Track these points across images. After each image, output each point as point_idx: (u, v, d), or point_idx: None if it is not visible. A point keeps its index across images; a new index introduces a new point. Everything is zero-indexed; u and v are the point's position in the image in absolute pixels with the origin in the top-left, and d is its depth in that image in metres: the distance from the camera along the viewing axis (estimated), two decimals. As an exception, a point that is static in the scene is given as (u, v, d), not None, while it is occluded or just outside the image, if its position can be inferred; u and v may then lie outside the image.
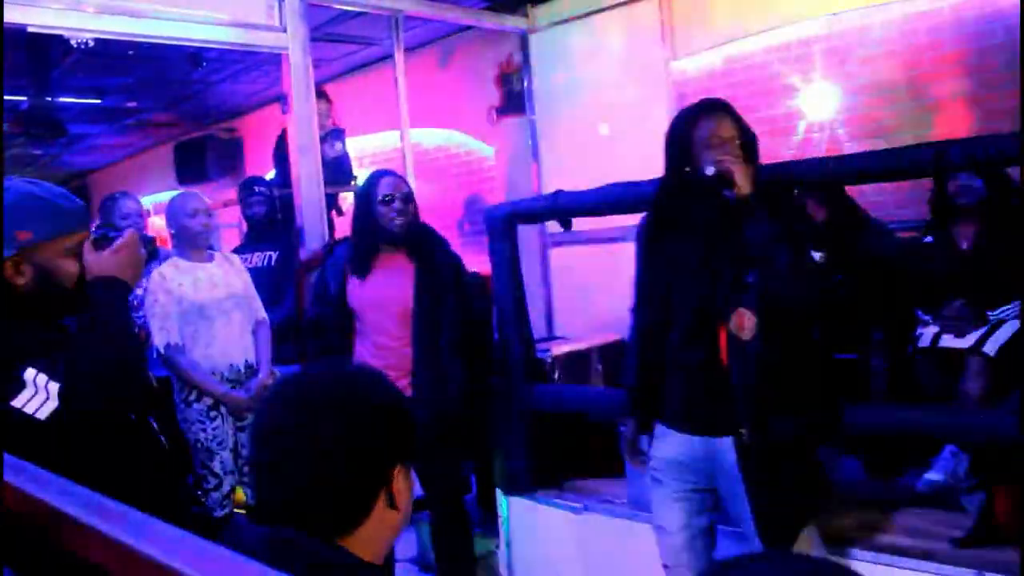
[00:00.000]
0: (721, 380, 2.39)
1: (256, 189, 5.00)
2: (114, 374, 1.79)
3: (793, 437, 2.39)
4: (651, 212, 2.64)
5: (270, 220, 4.97)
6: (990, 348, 3.37)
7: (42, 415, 1.73)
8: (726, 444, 2.42)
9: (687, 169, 2.48)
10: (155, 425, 2.06)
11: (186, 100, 7.99)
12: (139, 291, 3.79)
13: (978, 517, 2.89)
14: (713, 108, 2.51)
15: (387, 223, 3.35)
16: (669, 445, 2.58)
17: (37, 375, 1.74)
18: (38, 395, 1.73)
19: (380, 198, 3.35)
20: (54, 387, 1.73)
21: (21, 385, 1.73)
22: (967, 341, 3.46)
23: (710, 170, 2.37)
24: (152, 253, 2.29)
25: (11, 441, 1.53)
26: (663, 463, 2.59)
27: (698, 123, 2.48)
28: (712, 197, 2.41)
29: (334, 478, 1.16)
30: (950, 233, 3.72)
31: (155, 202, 9.08)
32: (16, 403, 1.72)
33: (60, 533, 0.83)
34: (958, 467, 3.25)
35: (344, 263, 3.45)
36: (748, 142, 2.48)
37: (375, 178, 3.44)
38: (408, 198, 3.39)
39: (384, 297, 3.37)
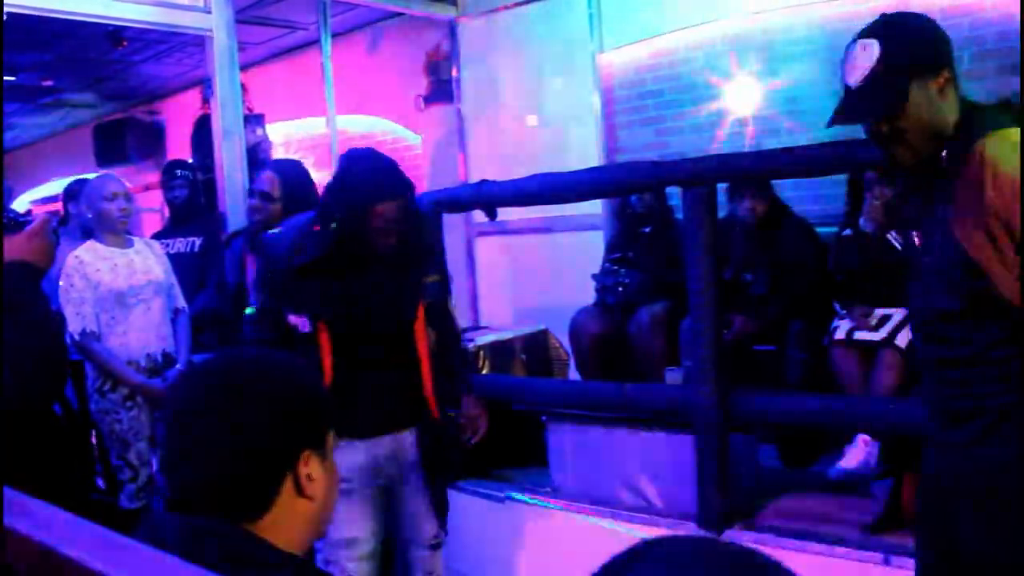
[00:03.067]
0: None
1: (178, 172, 4.90)
2: (37, 362, 1.74)
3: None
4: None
5: (192, 205, 4.87)
6: (902, 341, 3.49)
7: None
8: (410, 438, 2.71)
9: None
10: (57, 410, 2.02)
11: (106, 80, 7.78)
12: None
13: (886, 504, 2.99)
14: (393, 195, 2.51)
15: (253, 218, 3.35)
16: (357, 451, 2.64)
17: None
18: None
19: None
20: None
21: None
22: (880, 334, 3.57)
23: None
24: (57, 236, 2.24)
25: None
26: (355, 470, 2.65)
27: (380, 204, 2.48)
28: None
29: (237, 461, 1.16)
30: (867, 228, 3.82)
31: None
32: None
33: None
34: (869, 455, 3.35)
35: (243, 253, 3.42)
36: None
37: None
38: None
39: None
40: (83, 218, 4.15)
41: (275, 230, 2.78)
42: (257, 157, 5.48)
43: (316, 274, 2.54)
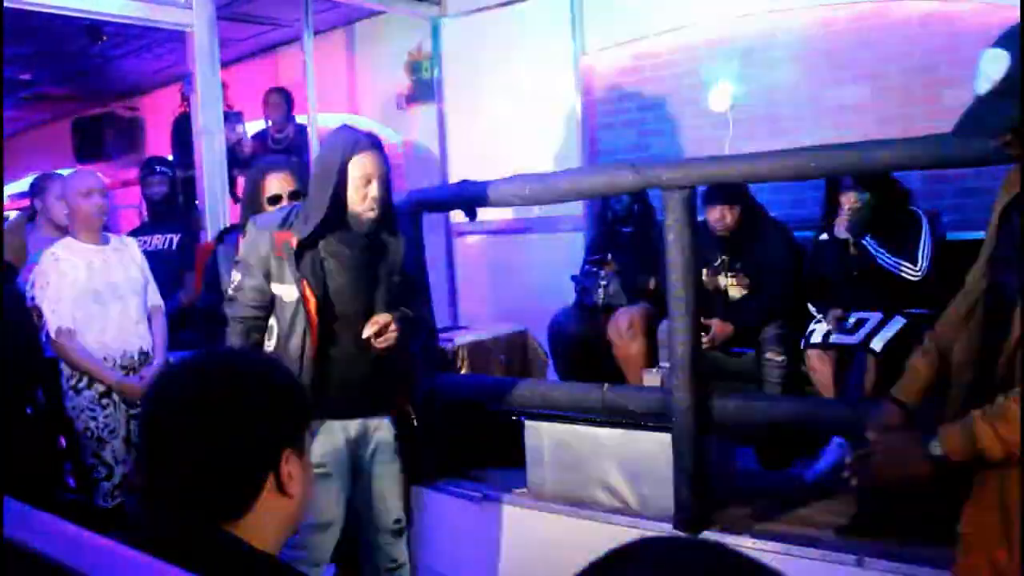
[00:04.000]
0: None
1: (157, 169, 4.88)
2: (12, 360, 1.74)
3: None
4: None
5: (171, 201, 4.85)
6: (877, 345, 3.52)
7: None
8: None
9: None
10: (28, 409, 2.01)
11: (85, 75, 7.72)
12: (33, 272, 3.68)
13: (862, 506, 3.01)
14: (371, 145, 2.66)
15: None
16: (332, 433, 2.70)
17: None
18: None
19: (269, 198, 3.32)
20: None
21: None
22: (855, 338, 3.60)
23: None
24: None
25: None
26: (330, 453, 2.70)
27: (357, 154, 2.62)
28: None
29: (218, 459, 1.15)
30: (843, 233, 3.85)
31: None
32: None
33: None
34: (845, 458, 3.37)
35: (236, 250, 3.40)
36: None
37: (261, 174, 3.40)
38: (297, 195, 3.36)
39: None
40: (51, 214, 4.12)
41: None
42: (236, 155, 5.47)
43: (303, 249, 2.62)
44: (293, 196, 3.32)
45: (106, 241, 3.70)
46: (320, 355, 2.63)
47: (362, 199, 2.63)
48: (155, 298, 3.79)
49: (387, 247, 2.77)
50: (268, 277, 2.67)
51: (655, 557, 0.70)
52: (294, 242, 2.61)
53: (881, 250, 3.65)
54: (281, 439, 1.20)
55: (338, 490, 2.73)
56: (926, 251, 3.61)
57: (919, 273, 3.59)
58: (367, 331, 2.62)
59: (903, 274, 3.61)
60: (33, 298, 3.61)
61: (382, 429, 2.83)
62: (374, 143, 2.70)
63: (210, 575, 1.07)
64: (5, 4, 3.99)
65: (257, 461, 1.18)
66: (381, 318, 2.65)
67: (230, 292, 2.74)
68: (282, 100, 5.89)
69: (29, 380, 1.82)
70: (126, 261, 3.70)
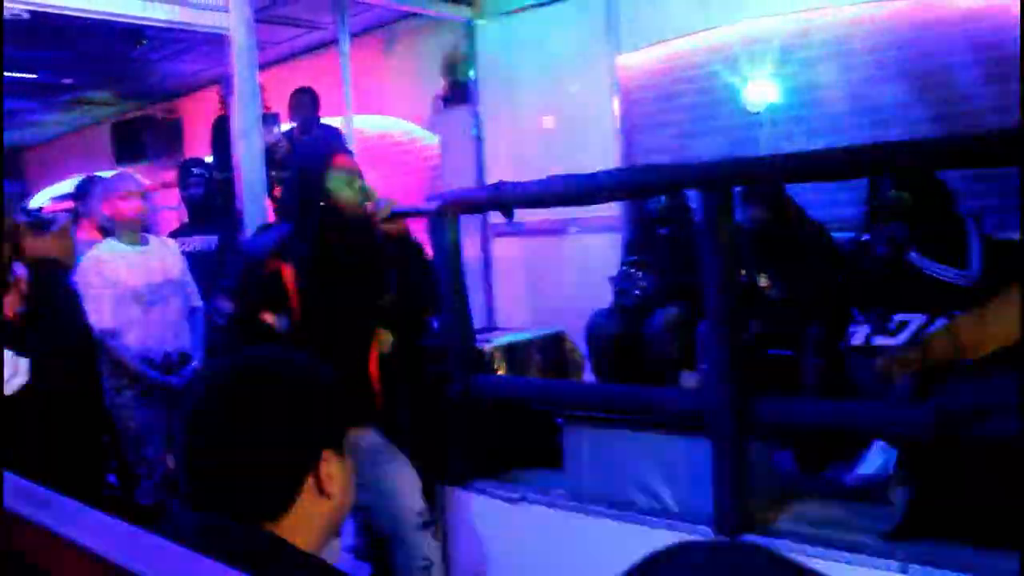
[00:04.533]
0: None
1: (194, 171, 4.92)
2: (75, 348, 1.80)
3: None
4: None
5: (209, 203, 4.89)
6: (920, 347, 3.46)
7: (8, 390, 1.70)
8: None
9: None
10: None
11: (125, 78, 7.82)
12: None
13: (905, 511, 2.96)
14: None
15: None
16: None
17: (4, 350, 1.72)
18: (4, 369, 1.71)
19: None
20: (23, 363, 1.71)
21: None
22: (898, 340, 3.54)
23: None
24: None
25: None
26: None
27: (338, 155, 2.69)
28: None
29: (258, 459, 1.16)
30: (885, 234, 3.80)
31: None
32: None
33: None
34: (886, 462, 3.32)
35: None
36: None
37: None
38: None
39: None
40: (93, 217, 4.17)
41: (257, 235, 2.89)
42: (274, 156, 5.50)
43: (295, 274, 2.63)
44: None
45: (147, 243, 3.75)
46: None
47: (346, 195, 2.65)
48: (194, 299, 3.82)
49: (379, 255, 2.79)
50: (262, 306, 2.64)
51: (698, 561, 0.69)
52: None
53: (930, 263, 3.58)
54: (321, 439, 1.21)
55: None
56: (975, 256, 3.54)
57: (971, 281, 3.52)
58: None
59: (953, 282, 3.54)
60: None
61: (368, 435, 2.84)
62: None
63: (252, 573, 1.08)
64: (50, 8, 4.05)
65: (296, 461, 1.19)
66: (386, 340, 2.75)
67: (228, 320, 2.69)
68: (308, 101, 5.85)
69: (85, 371, 1.88)
70: (167, 262, 3.74)
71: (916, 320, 3.55)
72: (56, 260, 1.89)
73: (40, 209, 4.71)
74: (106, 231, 3.81)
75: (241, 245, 2.80)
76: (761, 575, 0.67)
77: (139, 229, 3.74)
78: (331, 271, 2.65)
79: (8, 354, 1.73)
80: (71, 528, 0.73)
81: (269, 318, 2.59)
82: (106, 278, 3.56)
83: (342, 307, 2.68)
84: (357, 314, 2.74)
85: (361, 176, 2.73)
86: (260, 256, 2.63)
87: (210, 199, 4.91)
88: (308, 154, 2.73)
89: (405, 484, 2.90)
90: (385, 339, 2.87)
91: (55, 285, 1.87)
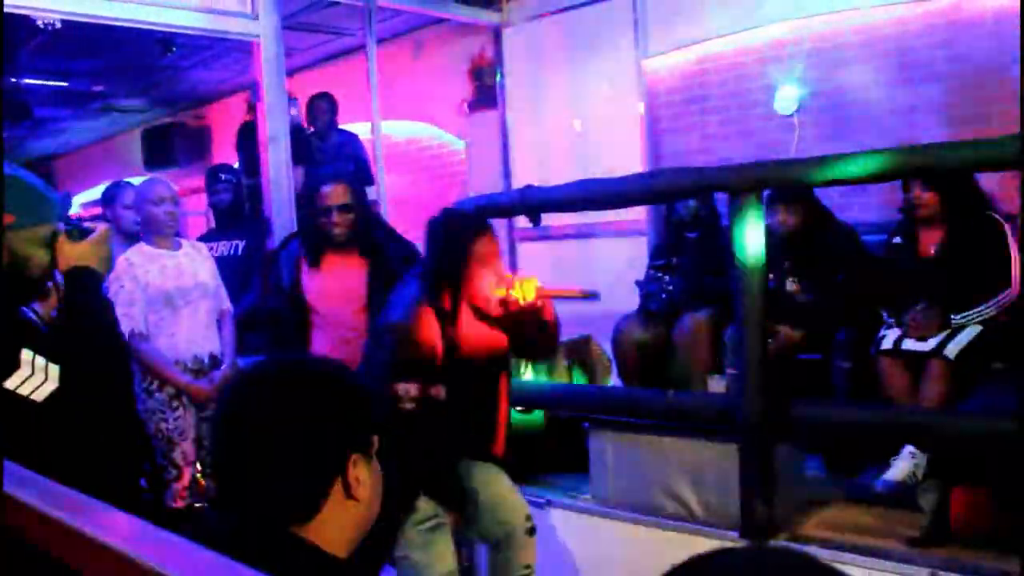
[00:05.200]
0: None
1: (222, 177, 4.96)
2: (106, 356, 1.80)
3: None
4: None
5: (236, 208, 4.92)
6: (951, 352, 3.42)
7: (40, 396, 1.72)
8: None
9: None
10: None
11: (155, 86, 7.89)
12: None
13: (934, 517, 2.93)
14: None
15: (328, 231, 3.37)
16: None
17: (36, 357, 1.73)
18: (35, 376, 1.72)
19: (319, 208, 3.37)
20: (54, 370, 1.72)
21: (16, 366, 1.72)
22: (929, 344, 3.50)
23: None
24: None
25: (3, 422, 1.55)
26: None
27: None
28: None
29: (286, 462, 1.17)
30: (917, 237, 3.76)
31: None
32: (9, 384, 1.70)
33: (20, 524, 0.83)
34: (916, 467, 3.29)
35: (298, 256, 3.46)
36: None
37: (315, 186, 3.45)
38: (347, 207, 3.40)
39: (338, 291, 3.40)
40: (120, 223, 4.21)
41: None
42: (299, 137, 5.45)
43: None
44: (343, 209, 3.38)
45: (178, 247, 3.78)
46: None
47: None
48: (225, 303, 3.85)
49: None
50: None
51: (738, 563, 0.69)
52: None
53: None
54: (348, 444, 1.22)
55: (451, 543, 2.78)
56: (1014, 264, 3.48)
57: (1015, 296, 3.47)
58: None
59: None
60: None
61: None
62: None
63: (280, 575, 1.08)
64: (82, 17, 4.10)
65: (324, 465, 1.19)
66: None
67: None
68: (327, 106, 5.86)
69: (119, 379, 1.92)
70: (197, 266, 3.77)
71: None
72: (91, 269, 1.90)
73: (79, 218, 4.76)
74: (134, 237, 3.86)
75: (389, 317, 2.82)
76: None
77: (171, 234, 3.78)
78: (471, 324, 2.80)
79: (40, 360, 1.73)
80: (101, 530, 0.74)
81: (440, 392, 2.67)
82: (138, 281, 3.60)
83: (482, 357, 2.82)
84: (494, 360, 2.87)
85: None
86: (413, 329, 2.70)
87: (237, 204, 4.94)
88: (456, 221, 2.85)
89: (502, 490, 2.89)
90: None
91: (89, 292, 1.88)
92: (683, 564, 0.69)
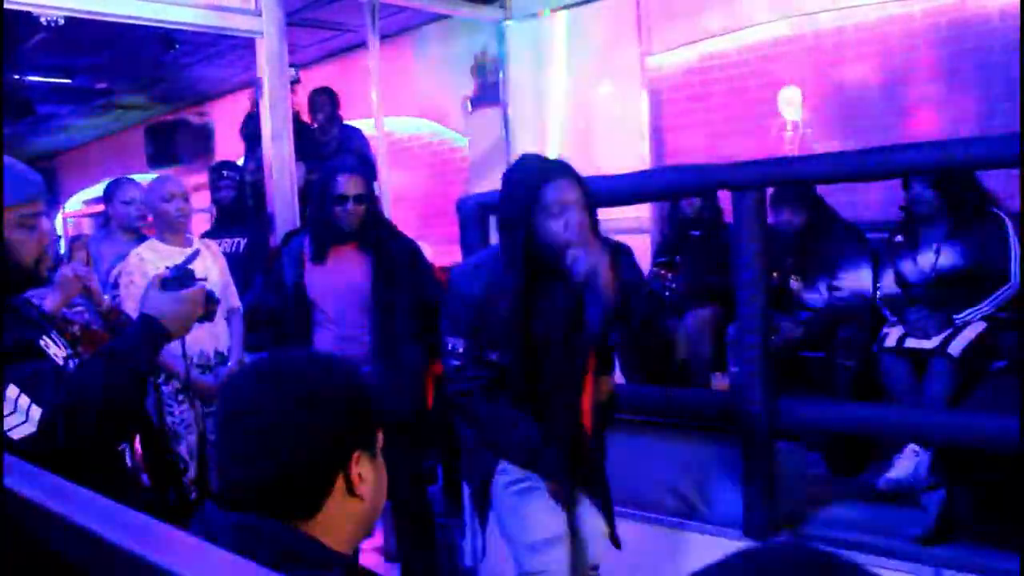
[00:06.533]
0: None
1: (224, 173, 4.95)
2: (105, 417, 1.67)
3: None
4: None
5: (239, 205, 4.92)
6: (954, 349, 3.42)
7: (15, 436, 1.61)
8: None
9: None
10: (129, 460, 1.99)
11: (158, 82, 7.89)
12: (115, 272, 3.80)
13: (937, 515, 2.93)
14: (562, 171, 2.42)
15: (341, 221, 3.34)
16: None
17: (20, 395, 1.62)
18: (16, 415, 1.61)
19: (334, 197, 3.33)
20: (36, 412, 1.62)
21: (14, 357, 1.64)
22: (932, 342, 3.50)
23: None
24: (208, 314, 2.16)
25: None
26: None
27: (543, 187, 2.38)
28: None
29: (290, 459, 1.16)
30: (919, 235, 3.76)
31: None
32: None
33: (24, 519, 0.82)
34: (919, 466, 3.29)
35: (300, 253, 3.45)
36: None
37: (331, 174, 3.40)
38: (362, 198, 3.37)
39: (343, 287, 3.39)
40: (119, 219, 4.22)
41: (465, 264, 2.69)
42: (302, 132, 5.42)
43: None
44: (359, 199, 3.36)
45: (189, 244, 3.80)
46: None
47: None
48: (234, 300, 3.87)
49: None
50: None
51: (763, 562, 0.68)
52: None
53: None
54: (351, 441, 1.21)
55: (553, 505, 2.50)
56: (1016, 262, 3.48)
57: (1015, 289, 3.48)
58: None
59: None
60: (115, 297, 3.73)
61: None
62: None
63: (284, 571, 1.08)
64: (86, 14, 4.10)
65: (326, 462, 1.19)
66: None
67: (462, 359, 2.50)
68: (328, 101, 5.79)
69: (118, 436, 1.80)
70: (208, 263, 3.79)
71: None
72: (160, 323, 1.78)
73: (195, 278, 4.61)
74: (135, 232, 3.88)
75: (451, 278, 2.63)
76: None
77: (183, 230, 3.80)
78: (540, 304, 2.45)
79: (24, 400, 1.62)
80: (101, 525, 0.74)
81: (500, 359, 2.45)
82: (147, 277, 3.61)
83: (553, 344, 2.46)
84: (569, 353, 2.48)
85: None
86: (476, 292, 2.46)
87: (241, 201, 4.94)
88: (528, 163, 2.51)
89: (594, 529, 2.64)
90: (605, 384, 2.62)
91: (133, 342, 1.78)
92: (710, 567, 0.69)
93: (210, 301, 2.04)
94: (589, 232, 2.37)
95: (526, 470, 2.49)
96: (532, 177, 2.40)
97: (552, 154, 5.47)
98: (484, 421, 2.52)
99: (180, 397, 3.63)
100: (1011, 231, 3.51)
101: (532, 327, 2.43)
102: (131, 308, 3.61)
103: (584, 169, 3.46)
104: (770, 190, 4.02)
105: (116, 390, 1.71)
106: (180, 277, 1.90)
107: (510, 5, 5.85)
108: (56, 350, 1.84)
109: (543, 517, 2.48)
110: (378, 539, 4.30)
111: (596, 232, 2.45)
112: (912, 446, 3.36)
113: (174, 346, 3.57)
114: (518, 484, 2.51)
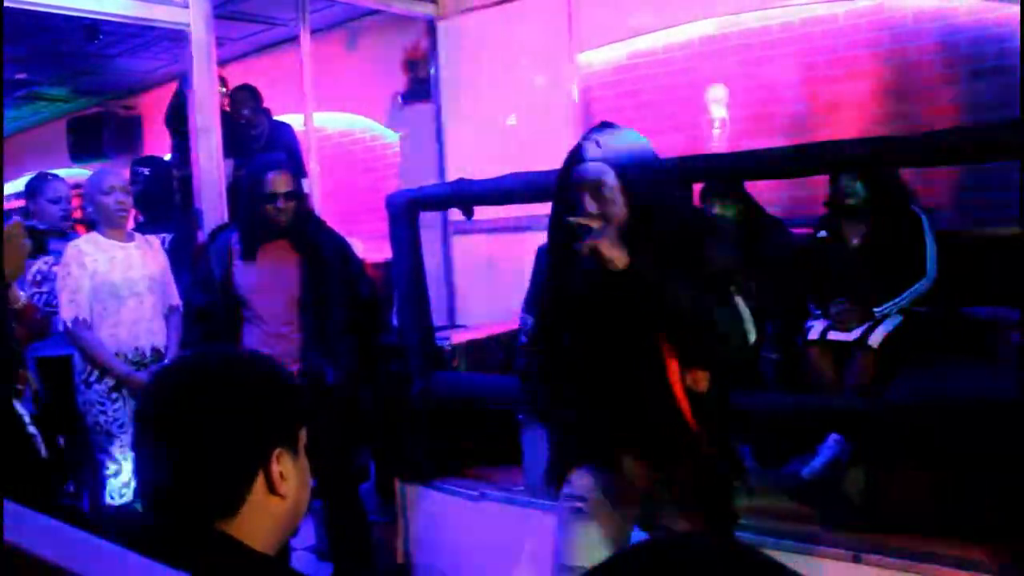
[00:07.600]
0: None
1: (137, 170, 4.88)
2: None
3: None
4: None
5: (156, 201, 4.84)
6: (874, 341, 3.53)
7: None
8: None
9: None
10: (24, 417, 1.97)
11: (81, 74, 7.71)
12: (43, 266, 3.77)
13: (860, 502, 3.02)
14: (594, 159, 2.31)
15: (270, 218, 3.32)
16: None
17: None
18: None
19: (264, 194, 3.31)
20: None
21: None
22: (853, 335, 3.60)
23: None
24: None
25: None
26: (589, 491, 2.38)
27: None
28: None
29: (204, 456, 1.15)
30: (842, 230, 3.86)
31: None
32: None
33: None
34: (841, 454, 3.38)
35: (228, 249, 3.41)
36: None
37: (261, 171, 3.37)
38: (291, 195, 3.35)
39: (272, 284, 3.36)
40: (44, 216, 4.14)
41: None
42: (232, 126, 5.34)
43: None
44: (288, 196, 3.34)
45: (131, 239, 3.76)
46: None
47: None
48: (174, 298, 3.82)
49: None
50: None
51: (667, 559, 0.68)
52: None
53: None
54: (271, 438, 1.20)
55: (597, 537, 2.30)
56: (932, 257, 3.61)
57: (930, 283, 3.61)
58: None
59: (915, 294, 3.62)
60: (37, 295, 3.67)
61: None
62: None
63: (205, 573, 1.08)
64: (5, 4, 3.99)
65: (244, 459, 1.18)
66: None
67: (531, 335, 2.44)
68: (248, 96, 5.70)
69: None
70: (148, 259, 3.76)
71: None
72: None
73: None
74: (58, 232, 3.81)
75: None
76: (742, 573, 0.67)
77: (123, 224, 3.74)
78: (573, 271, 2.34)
79: None
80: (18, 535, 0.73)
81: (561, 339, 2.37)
82: (85, 269, 3.57)
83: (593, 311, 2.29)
84: (634, 329, 2.25)
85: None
86: (543, 268, 2.44)
87: (154, 197, 4.86)
88: (564, 161, 2.41)
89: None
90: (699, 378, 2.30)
91: None
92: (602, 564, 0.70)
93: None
94: (610, 213, 2.25)
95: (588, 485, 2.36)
96: (569, 160, 2.38)
97: (482, 149, 5.50)
98: (539, 412, 2.54)
99: (114, 395, 3.58)
100: (927, 228, 3.64)
101: (566, 289, 2.35)
102: (65, 300, 3.56)
103: (514, 165, 3.49)
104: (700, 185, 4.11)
105: None
106: None
107: (442, 1, 5.83)
108: None
109: (580, 544, 2.31)
110: (311, 538, 4.28)
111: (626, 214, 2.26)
112: (834, 435, 3.45)
113: (107, 342, 3.55)
114: (575, 502, 2.35)
